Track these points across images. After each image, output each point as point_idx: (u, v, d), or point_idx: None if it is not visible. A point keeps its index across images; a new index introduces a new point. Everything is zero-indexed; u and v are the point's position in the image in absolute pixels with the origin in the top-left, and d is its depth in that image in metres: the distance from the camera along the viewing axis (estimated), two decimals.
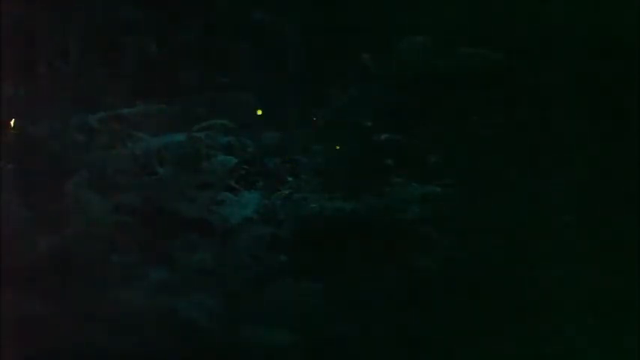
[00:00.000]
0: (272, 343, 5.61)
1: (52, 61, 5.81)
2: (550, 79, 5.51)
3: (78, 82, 5.80)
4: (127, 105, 5.76)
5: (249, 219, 5.69)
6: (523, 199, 5.49)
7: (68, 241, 5.76)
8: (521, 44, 5.50)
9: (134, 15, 5.73)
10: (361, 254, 5.60)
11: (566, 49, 5.49)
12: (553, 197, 5.48)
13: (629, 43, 5.44)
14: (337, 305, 5.62)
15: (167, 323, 5.71)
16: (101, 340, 5.73)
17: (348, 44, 5.61)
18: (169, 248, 5.74)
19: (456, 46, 5.52)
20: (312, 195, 5.60)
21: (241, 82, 5.69)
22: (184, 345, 5.68)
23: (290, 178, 5.62)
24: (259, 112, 5.68)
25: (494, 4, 5.50)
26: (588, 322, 5.48)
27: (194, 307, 5.69)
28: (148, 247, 5.75)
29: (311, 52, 5.63)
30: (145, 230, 5.75)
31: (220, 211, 5.71)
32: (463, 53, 5.51)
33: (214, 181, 5.72)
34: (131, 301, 5.72)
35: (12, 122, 5.86)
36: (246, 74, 5.69)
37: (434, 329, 5.56)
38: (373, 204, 5.55)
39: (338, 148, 5.59)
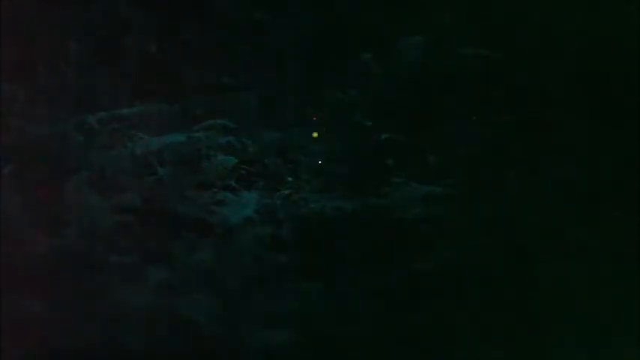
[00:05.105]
0: (272, 343, 5.61)
1: (52, 61, 5.80)
2: (549, 78, 5.51)
3: (78, 82, 5.80)
4: (127, 105, 5.77)
5: (249, 219, 5.69)
6: (523, 199, 5.50)
7: (68, 241, 5.76)
8: (521, 44, 5.50)
9: (134, 15, 5.73)
10: (361, 254, 5.60)
11: (566, 49, 5.50)
12: (553, 197, 5.48)
13: (629, 43, 5.45)
14: (337, 305, 5.62)
15: (167, 323, 5.72)
16: (101, 340, 5.73)
17: (348, 44, 5.61)
18: (169, 248, 5.74)
19: (455, 46, 5.52)
20: (312, 195, 5.60)
21: (241, 82, 5.69)
22: (184, 344, 5.68)
23: (290, 178, 5.62)
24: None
25: (494, 4, 5.51)
26: (588, 322, 5.48)
27: (194, 307, 5.69)
28: (148, 247, 5.75)
29: (311, 52, 5.63)
30: (145, 230, 5.75)
31: (220, 211, 5.72)
32: (463, 53, 5.51)
33: (214, 181, 5.73)
34: (131, 301, 5.72)
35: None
36: (246, 74, 5.69)
37: (434, 328, 5.56)
38: (373, 204, 5.56)
39: (338, 148, 5.60)
